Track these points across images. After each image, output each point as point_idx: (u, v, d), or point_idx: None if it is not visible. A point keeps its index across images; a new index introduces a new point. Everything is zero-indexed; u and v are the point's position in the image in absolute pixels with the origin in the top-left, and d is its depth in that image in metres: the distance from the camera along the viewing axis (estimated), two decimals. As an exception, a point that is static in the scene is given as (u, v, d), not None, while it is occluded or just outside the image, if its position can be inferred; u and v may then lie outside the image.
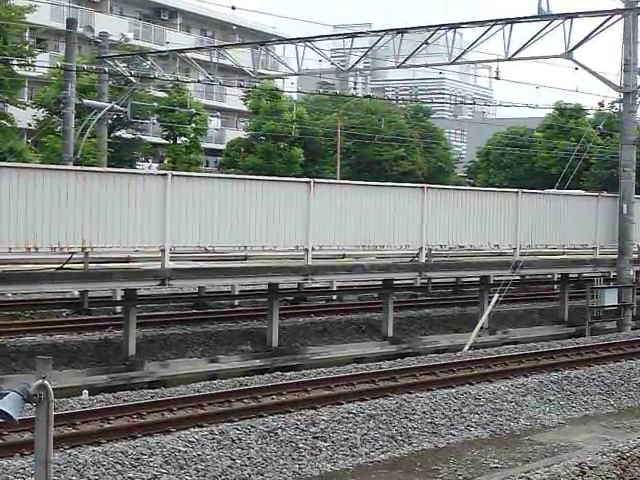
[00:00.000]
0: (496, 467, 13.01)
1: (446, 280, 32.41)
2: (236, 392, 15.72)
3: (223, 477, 11.89)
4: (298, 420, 13.90)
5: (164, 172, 21.03)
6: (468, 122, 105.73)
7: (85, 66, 36.89)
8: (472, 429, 15.10)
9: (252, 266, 21.73)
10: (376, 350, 23.61)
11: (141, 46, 52.40)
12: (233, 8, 34.43)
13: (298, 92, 58.01)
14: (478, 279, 27.72)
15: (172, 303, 27.37)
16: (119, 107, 36.32)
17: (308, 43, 31.01)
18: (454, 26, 28.62)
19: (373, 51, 33.20)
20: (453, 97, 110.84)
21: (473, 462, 13.26)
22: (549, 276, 34.95)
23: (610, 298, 27.59)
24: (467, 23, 28.91)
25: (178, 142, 55.98)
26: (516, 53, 27.42)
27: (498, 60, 28.48)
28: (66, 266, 18.48)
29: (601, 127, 45.74)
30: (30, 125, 47.90)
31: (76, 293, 25.78)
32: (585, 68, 27.19)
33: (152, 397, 15.40)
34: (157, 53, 38.77)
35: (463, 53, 29.33)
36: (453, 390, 16.69)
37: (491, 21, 27.65)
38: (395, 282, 25.73)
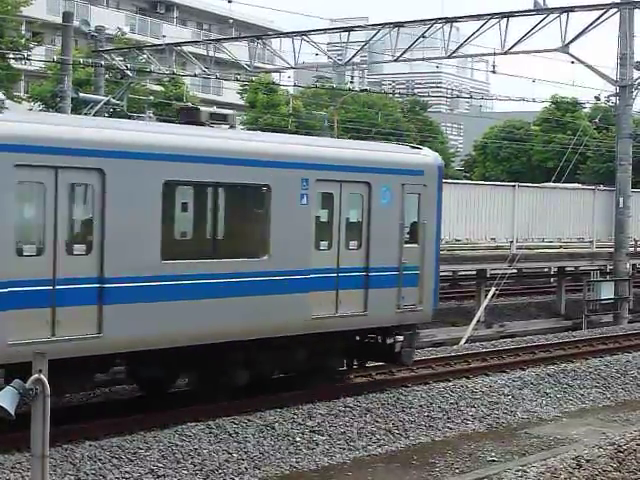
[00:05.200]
0: (493, 460, 13.02)
1: (443, 273, 32.37)
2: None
3: (220, 471, 11.86)
4: (295, 414, 13.89)
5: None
6: (465, 116, 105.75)
7: (81, 60, 36.83)
8: (469, 422, 15.11)
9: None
10: (373, 344, 23.53)
11: (137, 40, 52.38)
12: (230, 1, 34.37)
13: (295, 86, 57.86)
14: (475, 272, 27.73)
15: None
16: (115, 101, 36.22)
17: (305, 37, 31.00)
18: (451, 20, 28.62)
19: (370, 45, 33.23)
20: (450, 91, 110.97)
21: (470, 455, 13.27)
22: (546, 269, 34.98)
23: (607, 291, 27.64)
24: (464, 17, 28.92)
25: (175, 136, 55.82)
26: (512, 47, 27.42)
27: (495, 54, 28.47)
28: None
29: (597, 121, 45.74)
30: (26, 119, 47.73)
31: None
32: (581, 62, 27.23)
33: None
34: (153, 47, 38.77)
35: (460, 47, 29.35)
36: (450, 383, 16.70)
37: (488, 15, 27.66)
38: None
